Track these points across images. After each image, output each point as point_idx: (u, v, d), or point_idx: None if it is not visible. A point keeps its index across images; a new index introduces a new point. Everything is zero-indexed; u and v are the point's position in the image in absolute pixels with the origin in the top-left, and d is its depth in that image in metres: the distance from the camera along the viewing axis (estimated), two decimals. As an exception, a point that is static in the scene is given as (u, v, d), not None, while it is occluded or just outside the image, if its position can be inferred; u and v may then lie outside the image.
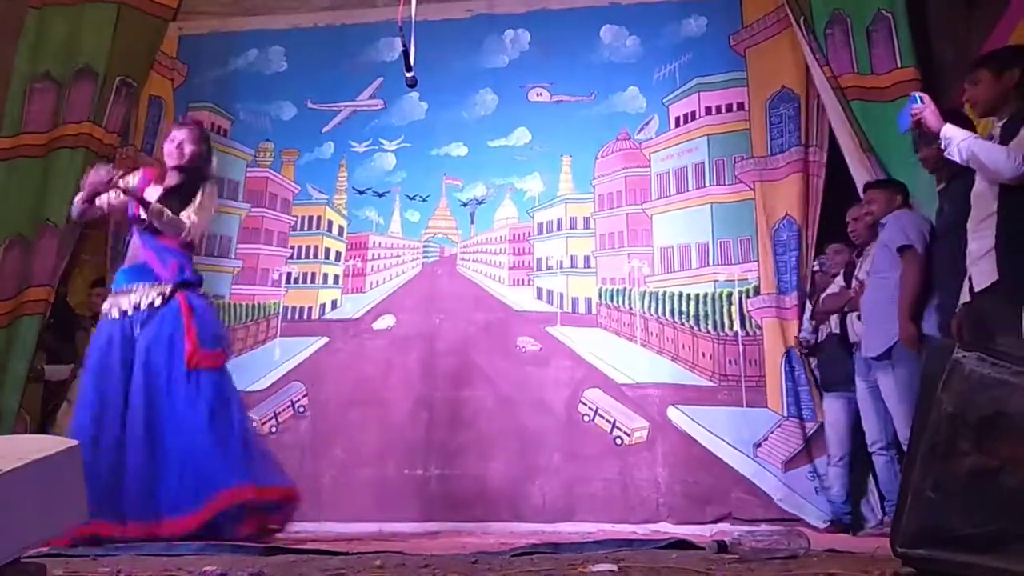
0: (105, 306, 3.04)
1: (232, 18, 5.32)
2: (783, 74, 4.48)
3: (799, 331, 4.13)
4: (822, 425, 4.00)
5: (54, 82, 4.87)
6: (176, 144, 3.09)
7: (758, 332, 4.30)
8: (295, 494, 3.04)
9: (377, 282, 4.91)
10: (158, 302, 2.94)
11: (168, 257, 3.02)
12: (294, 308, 4.88)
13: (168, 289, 2.97)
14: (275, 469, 3.08)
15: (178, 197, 3.05)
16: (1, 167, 4.69)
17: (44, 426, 4.42)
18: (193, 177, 3.12)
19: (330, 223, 5.04)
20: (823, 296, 4.02)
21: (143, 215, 2.98)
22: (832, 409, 3.93)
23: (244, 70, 5.27)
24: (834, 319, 3.91)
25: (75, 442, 1.38)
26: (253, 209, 5.08)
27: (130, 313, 2.94)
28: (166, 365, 2.87)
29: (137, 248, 3.07)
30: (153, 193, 3.07)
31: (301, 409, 4.61)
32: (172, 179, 3.12)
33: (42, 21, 4.96)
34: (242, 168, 5.15)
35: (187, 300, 2.98)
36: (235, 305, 4.86)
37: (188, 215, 3.01)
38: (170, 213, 2.97)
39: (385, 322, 4.75)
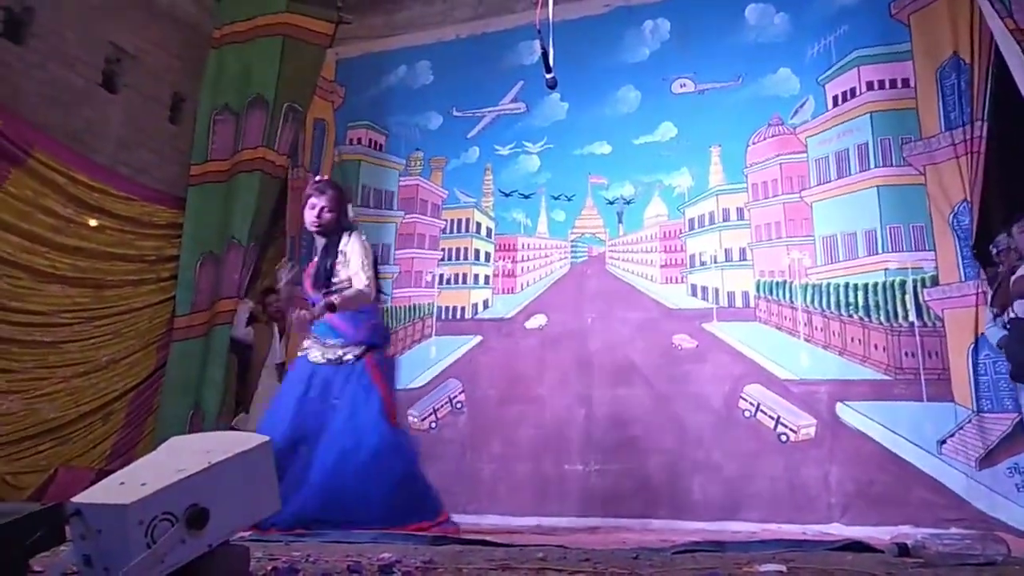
0: (306, 344, 3.33)
1: (382, 39, 5.65)
2: (954, 40, 4.08)
3: (994, 319, 3.75)
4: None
5: (232, 113, 5.39)
6: (316, 213, 3.31)
7: (938, 323, 3.95)
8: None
9: (527, 282, 5.00)
10: (349, 358, 3.20)
11: (361, 321, 3.27)
12: (448, 308, 5.08)
13: (360, 351, 3.22)
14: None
15: (331, 254, 3.28)
16: (194, 192, 5.25)
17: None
18: (336, 232, 3.33)
19: (479, 225, 5.21)
20: (1014, 278, 3.63)
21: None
22: (1031, 402, 3.54)
23: (395, 86, 5.58)
24: (1021, 304, 3.51)
25: (267, 438, 1.52)
26: (407, 216, 5.35)
27: (321, 362, 3.22)
28: (365, 415, 3.12)
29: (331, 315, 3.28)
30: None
31: (459, 405, 4.79)
32: (319, 242, 3.38)
33: (221, 59, 5.51)
34: (395, 178, 5.45)
35: (375, 362, 3.24)
36: (395, 308, 5.13)
37: (358, 280, 3.20)
38: (346, 294, 3.18)
39: (537, 321, 4.83)
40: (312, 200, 3.34)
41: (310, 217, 3.33)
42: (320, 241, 3.39)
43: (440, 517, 3.15)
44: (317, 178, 3.60)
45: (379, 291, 3.43)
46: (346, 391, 3.16)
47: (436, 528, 3.01)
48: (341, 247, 3.29)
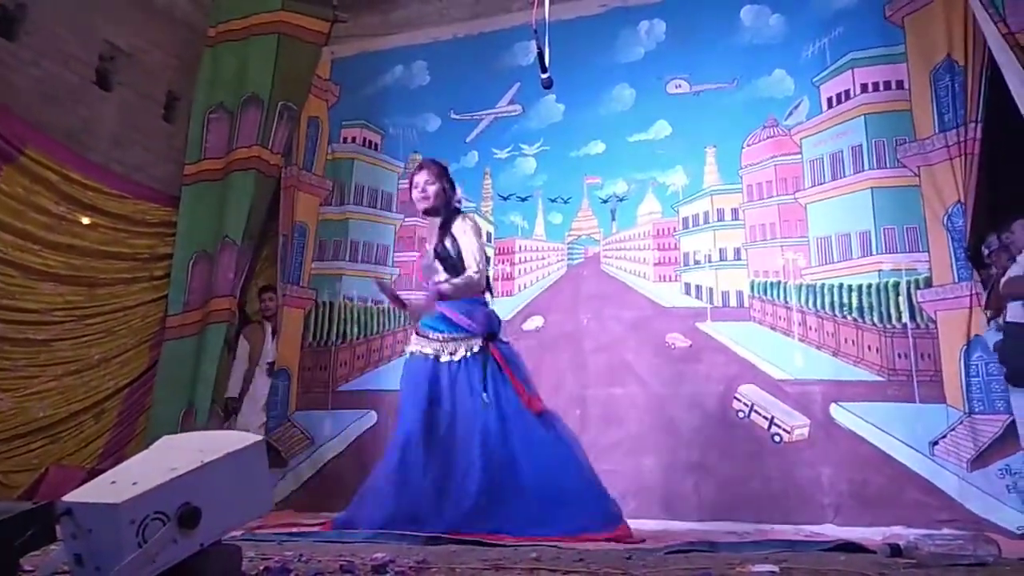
0: (413, 344, 3.17)
1: (378, 38, 5.63)
2: (948, 42, 4.09)
3: (988, 322, 3.76)
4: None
5: (227, 111, 5.37)
6: (420, 189, 3.23)
7: (931, 325, 3.97)
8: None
9: (525, 285, 5.00)
10: (470, 353, 3.05)
11: (475, 310, 3.12)
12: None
13: (479, 342, 3.07)
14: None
15: (444, 235, 3.17)
16: (188, 191, 5.23)
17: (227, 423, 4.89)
18: (446, 211, 3.24)
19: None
20: (1005, 279, 3.64)
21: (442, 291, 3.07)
22: (1022, 405, 3.55)
23: (391, 86, 5.56)
24: (1016, 305, 3.52)
25: (260, 437, 1.51)
26: (406, 219, 5.33)
27: (442, 359, 3.06)
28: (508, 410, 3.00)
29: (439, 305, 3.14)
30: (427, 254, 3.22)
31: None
32: (432, 225, 3.26)
33: (215, 58, 5.49)
34: (394, 180, 5.43)
35: (500, 351, 3.09)
36: (394, 311, 5.09)
37: (470, 266, 3.09)
38: (455, 282, 3.06)
39: (534, 323, 4.82)
40: (415, 179, 3.28)
41: (417, 196, 3.25)
42: (434, 225, 3.24)
43: (620, 527, 2.83)
44: (417, 160, 3.47)
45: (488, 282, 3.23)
46: (489, 389, 3.00)
47: (613, 539, 2.69)
48: (452, 230, 3.16)
